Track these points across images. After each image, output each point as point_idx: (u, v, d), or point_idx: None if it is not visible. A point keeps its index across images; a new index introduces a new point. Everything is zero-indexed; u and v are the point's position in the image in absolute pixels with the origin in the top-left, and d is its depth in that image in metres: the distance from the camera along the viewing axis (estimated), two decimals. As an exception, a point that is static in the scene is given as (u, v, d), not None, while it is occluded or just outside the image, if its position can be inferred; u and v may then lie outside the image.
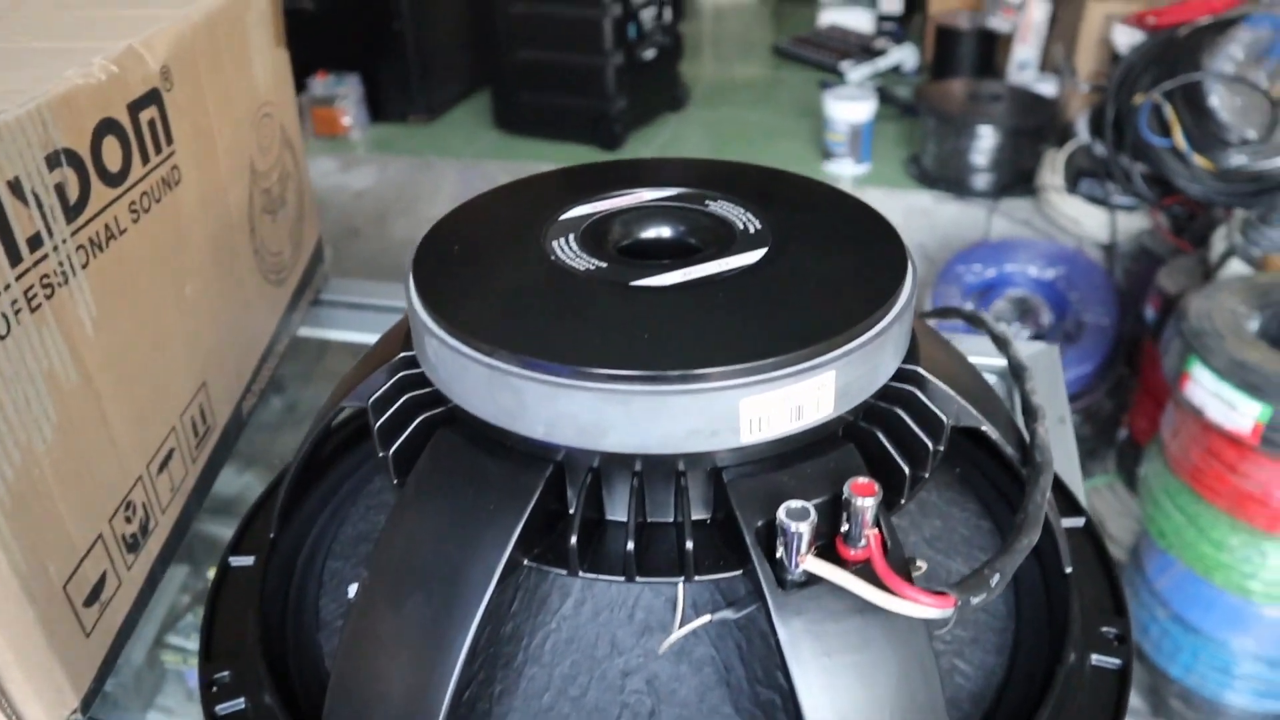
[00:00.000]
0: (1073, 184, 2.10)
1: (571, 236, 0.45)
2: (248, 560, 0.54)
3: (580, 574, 0.39)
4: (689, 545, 0.38)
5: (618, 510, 0.41)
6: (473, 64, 2.78)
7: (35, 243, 0.43)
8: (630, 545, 0.38)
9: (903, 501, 0.42)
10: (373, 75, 2.59)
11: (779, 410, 0.38)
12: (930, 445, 0.42)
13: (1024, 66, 2.51)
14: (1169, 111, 1.81)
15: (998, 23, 2.52)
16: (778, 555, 0.37)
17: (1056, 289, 1.80)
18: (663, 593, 0.44)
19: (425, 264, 0.44)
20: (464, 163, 2.54)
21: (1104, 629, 0.49)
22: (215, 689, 0.47)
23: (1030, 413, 0.50)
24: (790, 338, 0.38)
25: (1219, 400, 1.20)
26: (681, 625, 0.42)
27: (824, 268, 0.43)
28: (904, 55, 2.77)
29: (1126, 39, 2.04)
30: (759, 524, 0.38)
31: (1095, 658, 0.48)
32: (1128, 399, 1.69)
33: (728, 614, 0.40)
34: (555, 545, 0.39)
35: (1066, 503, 0.58)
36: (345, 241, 2.31)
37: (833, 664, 0.37)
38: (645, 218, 0.47)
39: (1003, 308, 1.84)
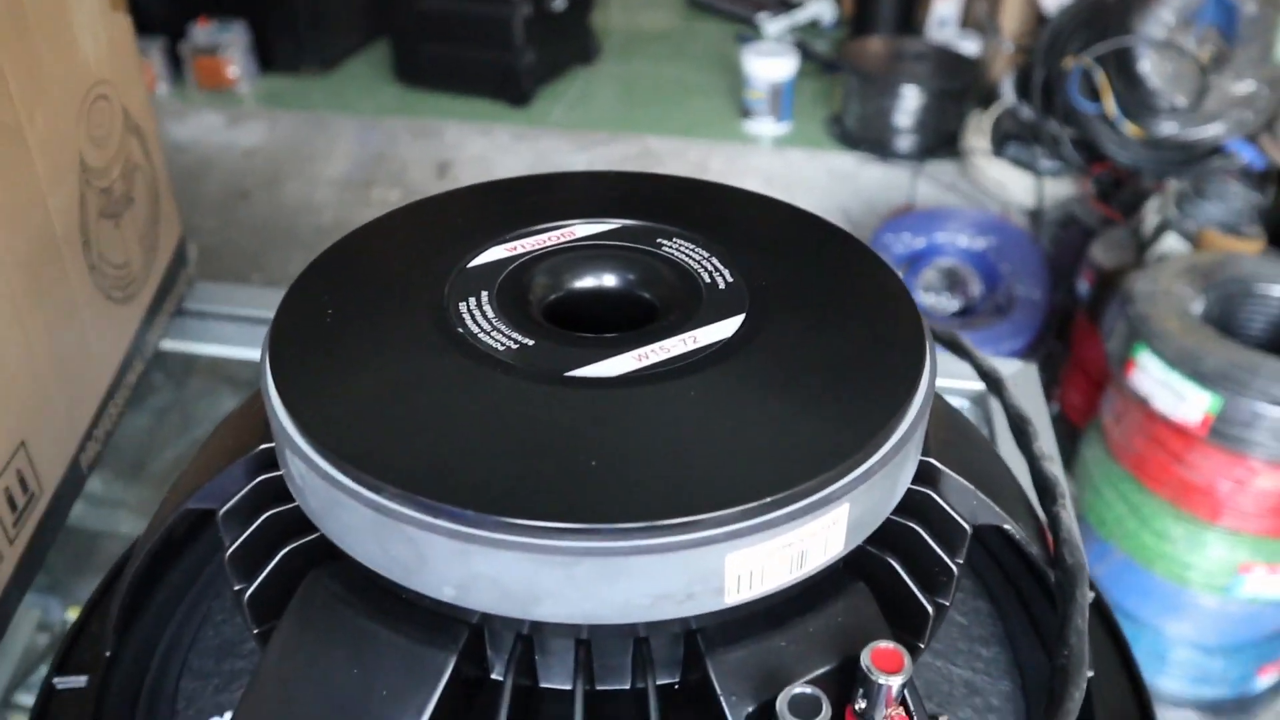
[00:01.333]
0: (999, 147, 2.05)
1: (485, 295, 0.34)
2: (79, 681, 0.42)
3: (508, 787, 0.28)
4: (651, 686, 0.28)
5: (556, 678, 0.31)
6: (371, 11, 2.60)
7: None
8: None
9: (923, 646, 0.32)
10: (261, 22, 2.40)
11: (776, 561, 0.28)
12: (954, 568, 0.33)
13: (944, 23, 2.44)
14: (1100, 77, 1.75)
15: None
16: (777, 758, 0.27)
17: (987, 259, 1.74)
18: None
19: (288, 340, 0.32)
20: (362, 119, 2.37)
21: (1136, 754, 0.41)
22: None
23: (1047, 491, 0.41)
24: (793, 463, 0.28)
25: (1167, 389, 1.14)
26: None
27: (822, 343, 0.33)
28: (822, 9, 2.68)
29: (1054, 0, 1.98)
30: (750, 710, 0.28)
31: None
32: (1058, 373, 1.64)
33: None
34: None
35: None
36: (233, 205, 2.14)
37: None
38: (580, 265, 0.36)
39: (932, 278, 1.77)
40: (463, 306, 0.34)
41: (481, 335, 0.32)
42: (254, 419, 0.37)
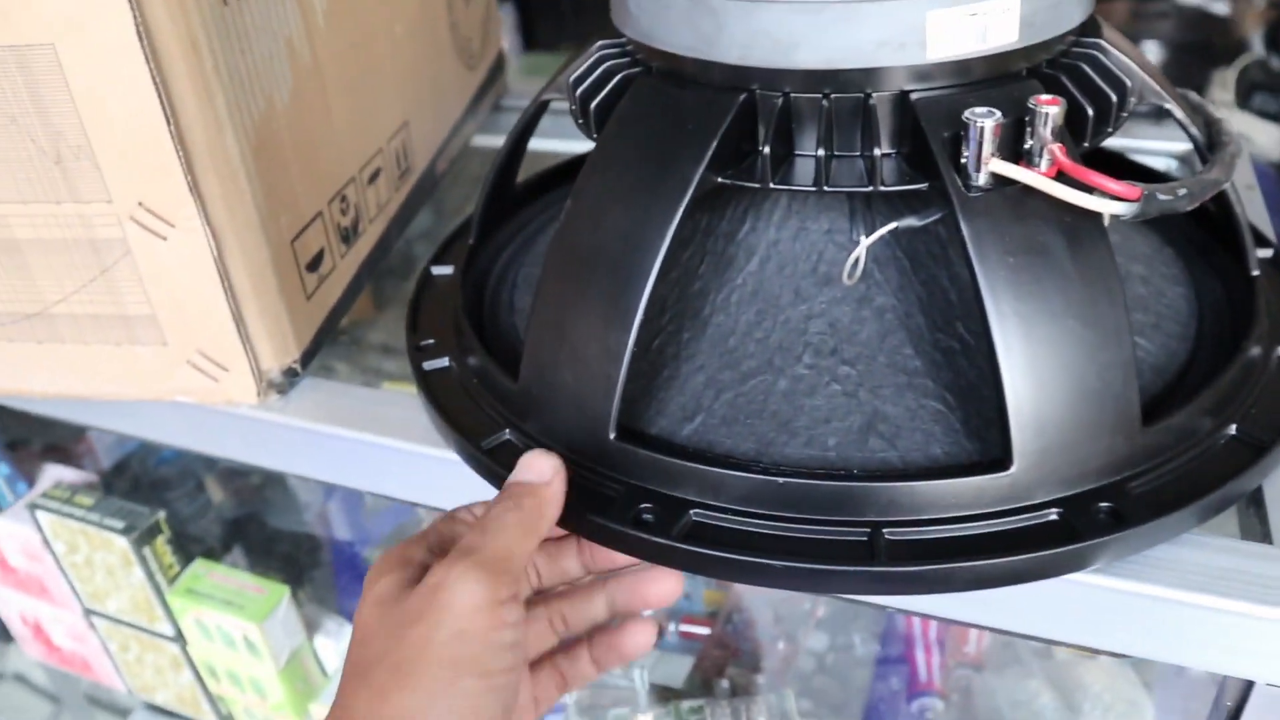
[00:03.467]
0: (1244, 99, 1.99)
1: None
2: (447, 270, 0.59)
3: (771, 185, 0.41)
4: (877, 152, 0.40)
5: (806, 144, 0.43)
6: None
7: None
8: (820, 151, 0.41)
9: (1086, 144, 0.43)
10: (527, 3, 2.61)
11: (965, 28, 0.39)
12: (1114, 97, 0.43)
13: None
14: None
15: None
16: (963, 161, 0.39)
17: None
18: (845, 247, 0.46)
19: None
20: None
21: (1292, 328, 0.49)
22: (421, 350, 0.52)
23: (1217, 121, 0.50)
24: (979, -45, 0.39)
25: None
26: (869, 245, 0.43)
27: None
28: None
29: None
30: (945, 135, 0.39)
31: (1283, 349, 0.47)
32: None
33: (912, 221, 0.41)
34: (747, 165, 0.42)
35: (1255, 236, 0.57)
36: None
37: (1016, 263, 0.38)
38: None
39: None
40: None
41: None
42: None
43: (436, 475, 0.49)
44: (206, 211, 0.45)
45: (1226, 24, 2.13)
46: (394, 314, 0.72)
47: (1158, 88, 0.46)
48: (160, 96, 0.42)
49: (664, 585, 0.46)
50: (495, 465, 0.44)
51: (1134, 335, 0.47)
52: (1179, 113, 0.47)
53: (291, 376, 0.52)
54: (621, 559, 0.45)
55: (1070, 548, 0.38)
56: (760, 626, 0.86)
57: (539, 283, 0.45)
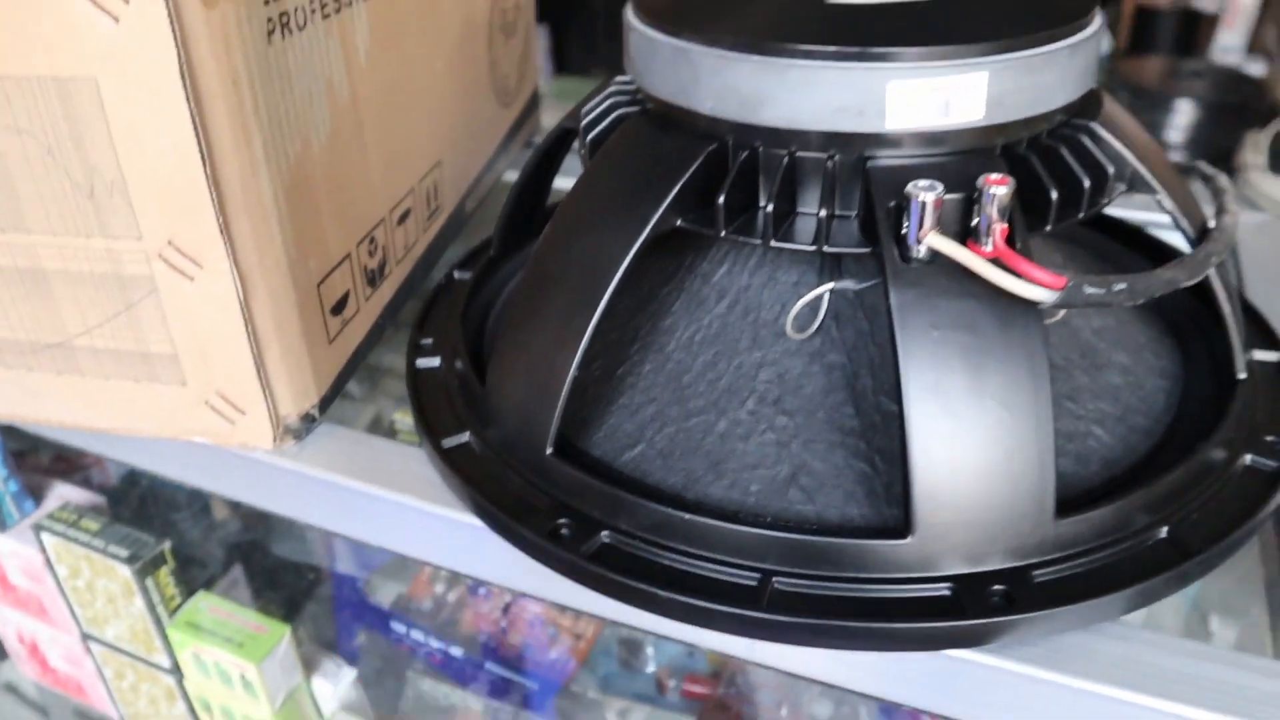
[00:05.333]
0: (1276, 162, 1.89)
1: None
2: (467, 274, 0.62)
3: (723, 233, 0.43)
4: (821, 214, 0.42)
5: (767, 198, 0.44)
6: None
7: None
8: (769, 207, 0.42)
9: (1047, 228, 0.43)
10: (560, 28, 2.62)
11: (926, 100, 0.40)
12: (1086, 183, 0.43)
13: (1228, 50, 2.27)
14: None
15: (1203, 2, 2.29)
16: (903, 231, 0.40)
17: None
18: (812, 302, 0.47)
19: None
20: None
21: (1270, 437, 0.47)
22: (419, 347, 0.55)
23: (1222, 210, 0.49)
24: (946, 36, 0.40)
25: None
26: (816, 307, 0.45)
27: (1009, 3, 0.44)
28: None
29: None
30: (890, 204, 0.40)
31: (1251, 458, 0.46)
32: None
33: (849, 284, 0.42)
34: (706, 212, 0.44)
35: (1266, 337, 0.55)
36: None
37: (940, 337, 0.39)
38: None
39: None
40: (758, -20, 0.49)
41: (765, -14, 0.47)
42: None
43: (447, 535, 0.48)
44: (235, 254, 0.45)
45: (1261, 86, 2.02)
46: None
47: (1149, 176, 0.45)
48: (198, 136, 0.42)
49: None
50: (447, 464, 0.47)
51: (1092, 424, 0.47)
52: (1169, 204, 0.46)
53: (309, 422, 0.52)
54: None
55: (954, 624, 0.38)
56: (764, 690, 0.86)
57: (512, 296, 0.48)
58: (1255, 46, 2.26)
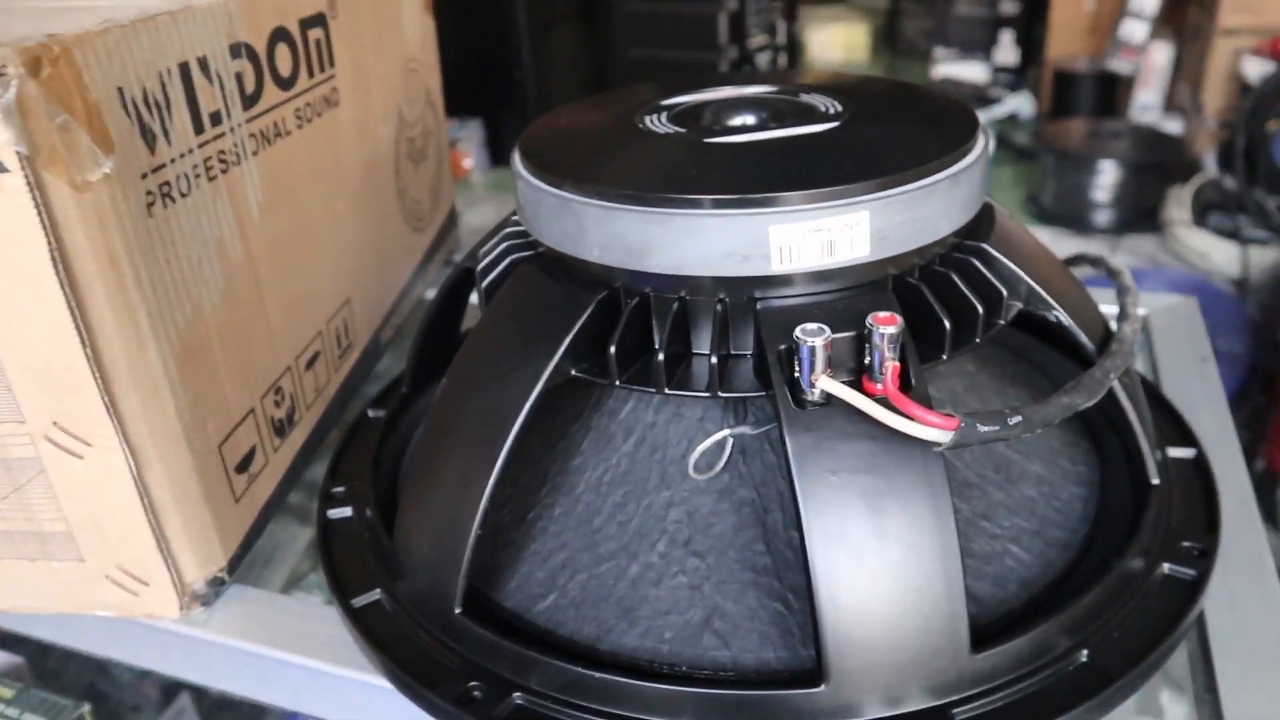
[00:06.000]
0: (1200, 218, 1.96)
1: (664, 114, 0.49)
2: (381, 413, 0.61)
3: (617, 383, 0.42)
4: (713, 361, 0.41)
5: (661, 342, 0.44)
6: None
7: (215, 119, 0.49)
8: (661, 356, 0.42)
9: (944, 357, 0.43)
10: (494, 120, 2.58)
11: (810, 242, 0.40)
12: (980, 309, 0.43)
13: (1146, 108, 2.37)
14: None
15: (1119, 65, 2.39)
16: (795, 375, 0.39)
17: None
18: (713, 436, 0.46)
19: (530, 137, 0.49)
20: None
21: (1187, 543, 0.47)
22: (331, 497, 0.54)
23: (1123, 315, 0.49)
24: (826, 176, 0.40)
25: None
26: (721, 451, 0.44)
27: (888, 135, 0.45)
28: (1020, 103, 2.68)
29: (1257, 70, 1.93)
30: (781, 348, 0.40)
31: (1169, 567, 0.46)
32: (1263, 429, 1.54)
33: (745, 430, 0.42)
34: (600, 360, 0.43)
35: (1180, 433, 0.55)
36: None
37: (839, 481, 0.39)
38: (737, 104, 0.51)
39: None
40: (647, 119, 0.49)
41: (653, 128, 0.47)
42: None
43: (362, 698, 0.46)
44: (125, 429, 0.44)
45: (1180, 144, 2.10)
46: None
47: (1044, 294, 0.46)
48: (76, 320, 0.41)
49: None
50: (356, 626, 0.46)
51: (1009, 543, 0.47)
52: (1066, 319, 0.46)
53: (218, 585, 0.50)
54: None
55: (873, 774, 0.37)
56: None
57: (416, 447, 0.47)
58: (1171, 104, 2.34)
